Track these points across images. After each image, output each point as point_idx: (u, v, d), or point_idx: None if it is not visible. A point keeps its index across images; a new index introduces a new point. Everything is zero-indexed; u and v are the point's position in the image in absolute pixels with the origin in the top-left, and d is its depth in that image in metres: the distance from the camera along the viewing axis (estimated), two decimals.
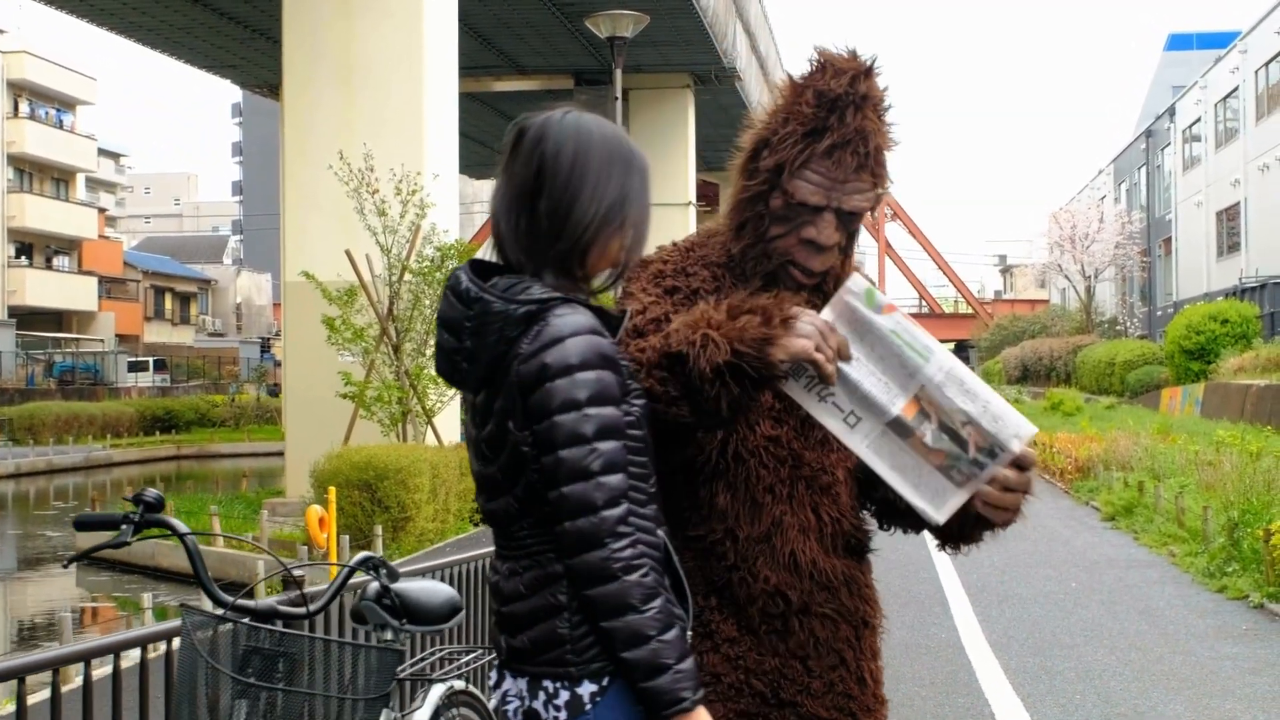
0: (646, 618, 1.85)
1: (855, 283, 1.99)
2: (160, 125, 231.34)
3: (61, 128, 53.99)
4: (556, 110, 2.03)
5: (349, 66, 17.35)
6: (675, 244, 2.38)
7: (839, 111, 2.16)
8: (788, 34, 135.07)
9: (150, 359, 52.72)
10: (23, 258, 50.26)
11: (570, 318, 1.91)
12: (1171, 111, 42.12)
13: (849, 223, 2.24)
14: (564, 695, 1.92)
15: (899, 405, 1.99)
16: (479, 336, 1.95)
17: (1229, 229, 35.78)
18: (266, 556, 13.18)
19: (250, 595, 2.56)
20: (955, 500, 2.05)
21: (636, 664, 1.85)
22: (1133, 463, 15.32)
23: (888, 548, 10.15)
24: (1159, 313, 41.36)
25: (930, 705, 6.12)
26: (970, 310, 64.17)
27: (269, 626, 2.14)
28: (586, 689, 1.91)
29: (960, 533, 2.23)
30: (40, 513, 24.77)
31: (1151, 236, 44.09)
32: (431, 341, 14.29)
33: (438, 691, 2.69)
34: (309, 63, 17.59)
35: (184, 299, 65.43)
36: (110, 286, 56.32)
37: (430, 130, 17.55)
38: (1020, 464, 2.05)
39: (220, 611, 2.26)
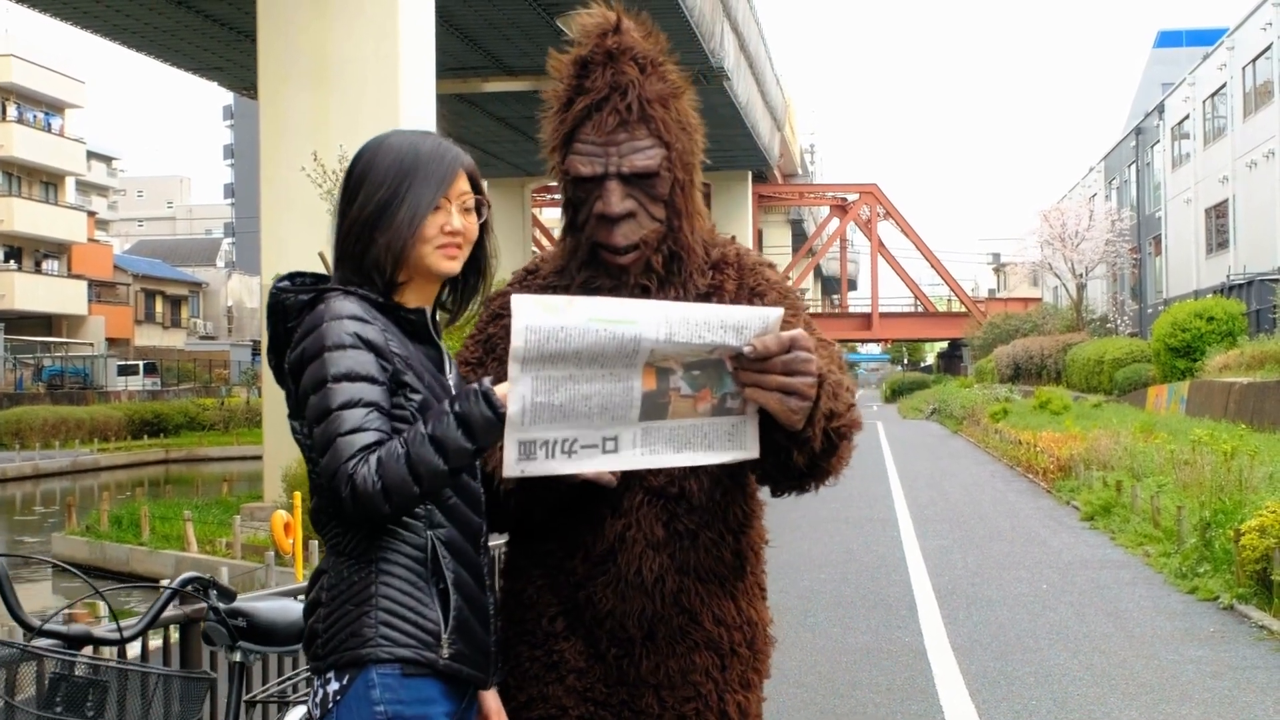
0: (406, 464, 1.84)
1: (519, 309, 1.77)
2: (153, 128, 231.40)
3: (50, 131, 53.82)
4: (386, 132, 2.15)
5: (324, 67, 17.23)
6: (522, 269, 2.33)
7: (589, 72, 2.10)
8: (777, 33, 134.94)
9: (140, 362, 52.52)
10: (11, 262, 50.13)
11: (335, 304, 1.96)
12: (1160, 109, 42.07)
13: (645, 188, 2.10)
14: (320, 692, 1.93)
15: (637, 388, 1.82)
16: (271, 328, 2.05)
17: (1218, 226, 35.72)
18: (236, 560, 13.10)
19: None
20: (750, 427, 1.93)
21: (451, 444, 1.86)
22: (1113, 462, 15.23)
23: (861, 549, 10.01)
24: (1149, 310, 41.27)
25: (883, 712, 6.02)
26: (964, 309, 64.06)
27: (66, 655, 2.04)
28: (332, 686, 1.91)
29: (781, 465, 2.02)
30: (22, 518, 24.69)
31: (1142, 234, 44.02)
32: None
33: (296, 715, 2.60)
34: (283, 63, 17.47)
35: (175, 302, 65.25)
36: (100, 290, 56.13)
37: None
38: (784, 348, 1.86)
39: (23, 639, 2.16)
